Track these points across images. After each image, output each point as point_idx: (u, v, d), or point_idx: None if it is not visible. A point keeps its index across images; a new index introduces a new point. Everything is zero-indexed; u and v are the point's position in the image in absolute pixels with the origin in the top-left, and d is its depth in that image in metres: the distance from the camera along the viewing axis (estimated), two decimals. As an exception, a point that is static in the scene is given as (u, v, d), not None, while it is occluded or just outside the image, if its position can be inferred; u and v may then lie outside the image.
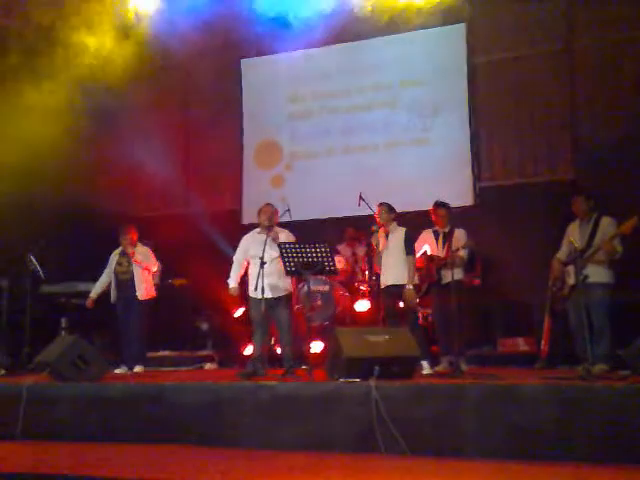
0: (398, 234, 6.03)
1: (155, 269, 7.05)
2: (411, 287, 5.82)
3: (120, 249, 6.95)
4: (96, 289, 6.93)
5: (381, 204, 6.18)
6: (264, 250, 5.58)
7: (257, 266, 5.54)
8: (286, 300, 5.97)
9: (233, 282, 6.08)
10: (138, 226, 7.14)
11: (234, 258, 6.17)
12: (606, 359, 5.32)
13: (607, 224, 5.57)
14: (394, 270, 5.94)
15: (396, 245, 5.99)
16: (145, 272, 6.86)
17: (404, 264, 5.90)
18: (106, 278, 6.94)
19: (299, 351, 6.07)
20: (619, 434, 3.61)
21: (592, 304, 5.40)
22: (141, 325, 6.78)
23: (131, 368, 6.62)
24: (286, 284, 5.96)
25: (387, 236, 6.07)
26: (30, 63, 7.83)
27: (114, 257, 6.95)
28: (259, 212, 6.09)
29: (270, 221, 5.94)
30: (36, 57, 7.85)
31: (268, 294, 5.69)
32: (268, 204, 6.15)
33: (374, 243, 6.12)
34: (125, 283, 6.79)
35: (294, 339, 6.00)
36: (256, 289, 5.54)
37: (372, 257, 6.32)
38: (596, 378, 4.44)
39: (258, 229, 6.08)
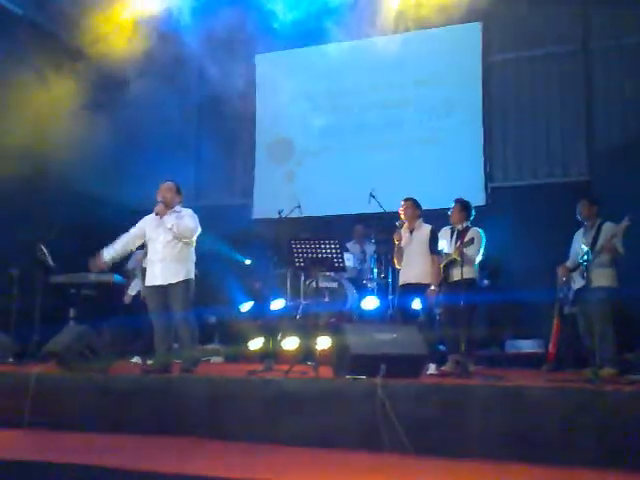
0: (423, 231, 5.91)
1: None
2: (434, 287, 5.69)
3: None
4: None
5: (407, 199, 6.02)
6: (159, 232, 5.23)
7: (154, 251, 5.23)
8: (182, 288, 5.23)
9: (106, 253, 5.37)
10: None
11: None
12: (612, 363, 5.28)
13: (608, 228, 5.59)
14: (416, 268, 5.81)
15: (420, 243, 5.86)
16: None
17: (427, 262, 5.77)
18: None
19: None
20: (626, 439, 3.57)
21: (594, 307, 5.40)
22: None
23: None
24: (183, 270, 5.25)
25: (411, 232, 5.94)
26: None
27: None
28: (158, 190, 5.39)
29: (165, 200, 5.30)
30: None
31: (161, 281, 5.24)
32: (168, 181, 5.42)
33: (396, 238, 5.96)
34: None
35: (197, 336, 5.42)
36: (151, 276, 5.24)
37: (393, 252, 6.15)
38: (604, 382, 4.42)
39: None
